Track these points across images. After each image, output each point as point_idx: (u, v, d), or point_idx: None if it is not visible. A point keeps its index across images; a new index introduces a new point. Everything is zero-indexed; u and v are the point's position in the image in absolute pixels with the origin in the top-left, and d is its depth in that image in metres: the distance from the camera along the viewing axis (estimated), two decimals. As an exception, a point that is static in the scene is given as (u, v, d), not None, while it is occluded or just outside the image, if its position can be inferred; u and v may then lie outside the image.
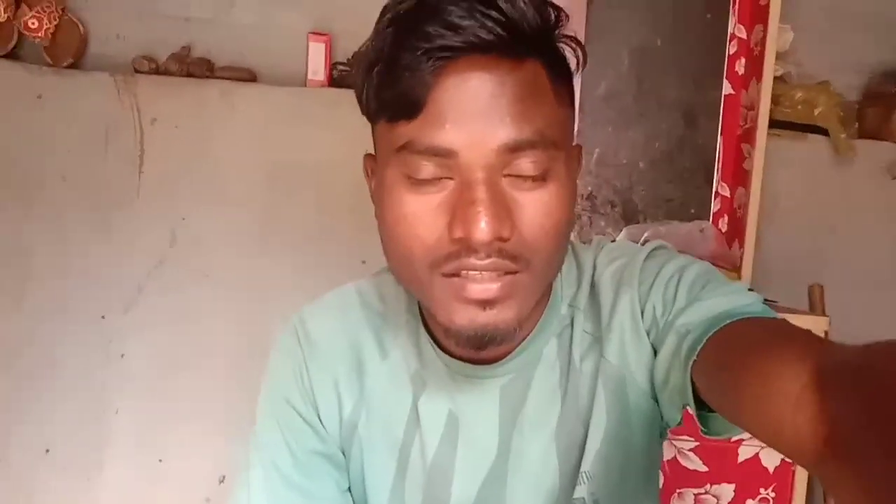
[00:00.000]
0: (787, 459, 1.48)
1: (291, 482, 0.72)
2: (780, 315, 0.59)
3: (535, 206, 0.58)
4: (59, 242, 1.96)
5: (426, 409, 0.72)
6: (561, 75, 0.61)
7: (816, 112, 1.97)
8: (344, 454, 0.76)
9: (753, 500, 1.50)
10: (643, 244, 0.74)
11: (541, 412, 0.70)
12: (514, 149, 0.57)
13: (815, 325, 1.53)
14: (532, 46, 0.58)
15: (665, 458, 1.47)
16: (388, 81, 0.58)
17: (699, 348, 0.57)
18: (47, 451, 1.95)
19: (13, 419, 1.94)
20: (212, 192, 1.99)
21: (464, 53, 0.55)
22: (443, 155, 0.57)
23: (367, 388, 0.74)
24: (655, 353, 0.66)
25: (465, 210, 0.56)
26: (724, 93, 1.82)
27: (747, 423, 0.49)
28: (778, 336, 0.53)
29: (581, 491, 0.69)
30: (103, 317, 1.97)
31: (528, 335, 0.70)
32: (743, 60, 1.80)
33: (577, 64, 0.63)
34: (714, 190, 1.84)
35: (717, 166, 1.84)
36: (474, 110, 0.56)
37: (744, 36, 1.80)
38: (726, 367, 0.54)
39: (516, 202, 0.58)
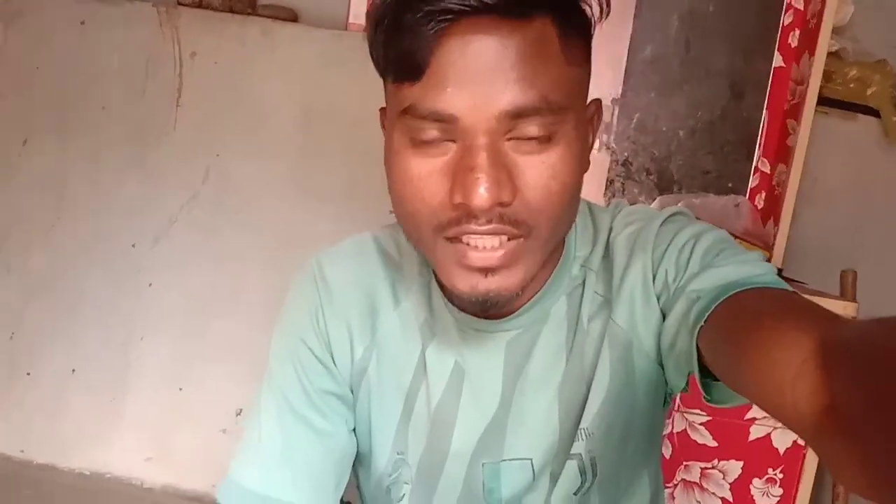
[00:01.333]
0: (800, 441, 1.49)
1: (303, 418, 0.73)
2: (809, 298, 0.58)
3: (539, 170, 0.58)
4: (94, 172, 1.99)
5: (433, 359, 0.73)
6: (573, 30, 0.59)
7: (869, 92, 1.89)
8: (353, 396, 0.77)
9: (760, 479, 1.50)
10: None
11: (545, 369, 0.71)
12: (518, 114, 0.56)
13: (843, 310, 1.50)
14: (540, 2, 0.56)
15: (675, 430, 1.48)
16: (392, 41, 0.57)
17: (707, 315, 0.57)
18: (73, 371, 2.01)
19: (44, 340, 2.01)
20: (247, 131, 1.99)
21: (466, 15, 0.54)
22: (444, 120, 0.56)
23: (379, 333, 0.75)
24: (664, 317, 0.66)
25: (465, 176, 0.56)
26: (774, 65, 1.76)
27: (749, 391, 0.49)
28: (785, 307, 0.53)
29: (579, 447, 0.70)
30: (133, 246, 2.00)
31: (537, 292, 0.70)
32: (797, 32, 1.73)
33: (601, 12, 0.61)
34: (754, 165, 1.79)
35: (760, 141, 1.79)
36: (476, 74, 0.55)
37: (800, 6, 1.73)
38: (732, 335, 0.53)
39: (519, 166, 0.57)
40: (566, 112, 0.58)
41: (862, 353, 0.36)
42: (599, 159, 1.78)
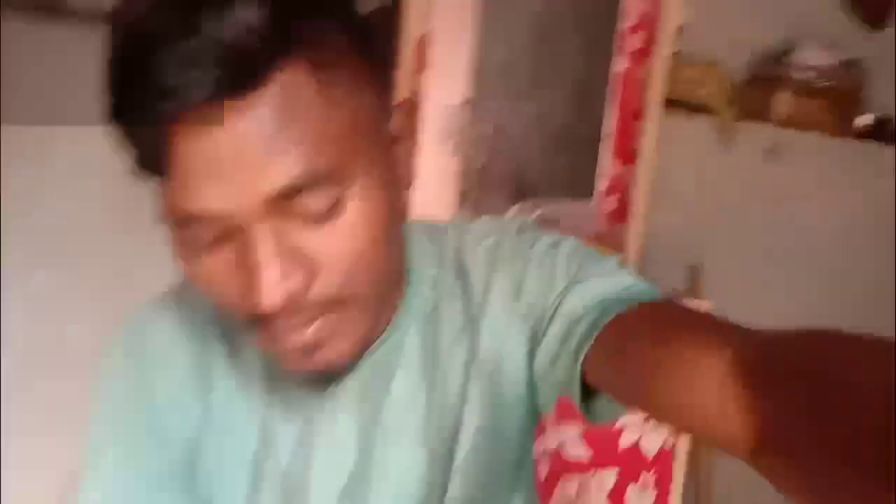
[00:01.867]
0: (666, 446, 1.52)
1: None
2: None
3: (335, 239, 0.51)
4: None
5: (277, 420, 0.65)
6: (336, 59, 0.50)
7: (703, 91, 1.99)
8: (193, 472, 0.67)
9: (636, 483, 1.52)
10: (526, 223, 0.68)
11: (404, 411, 0.64)
12: (284, 196, 0.48)
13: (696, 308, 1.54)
14: (276, 57, 0.46)
15: (552, 446, 1.46)
16: (127, 139, 0.48)
17: (595, 334, 0.53)
18: None
19: None
20: (41, 138, 1.73)
21: (189, 109, 0.45)
22: (207, 220, 0.48)
23: (215, 395, 0.67)
24: (536, 340, 0.61)
25: (248, 277, 0.49)
26: (620, 68, 1.79)
27: (664, 414, 0.48)
28: (685, 322, 0.51)
29: (454, 490, 0.64)
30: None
31: (383, 332, 0.64)
32: (640, 35, 1.77)
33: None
34: (605, 167, 1.82)
35: (609, 143, 1.81)
36: (221, 165, 0.46)
37: (643, 10, 1.76)
38: (629, 356, 0.51)
39: (311, 242, 0.50)
40: (346, 167, 0.50)
41: (791, 370, 0.36)
42: (450, 167, 1.71)
